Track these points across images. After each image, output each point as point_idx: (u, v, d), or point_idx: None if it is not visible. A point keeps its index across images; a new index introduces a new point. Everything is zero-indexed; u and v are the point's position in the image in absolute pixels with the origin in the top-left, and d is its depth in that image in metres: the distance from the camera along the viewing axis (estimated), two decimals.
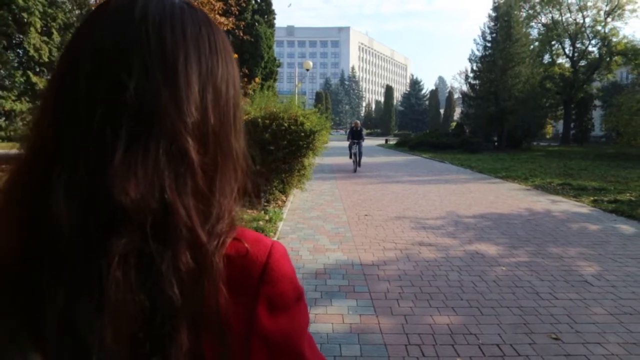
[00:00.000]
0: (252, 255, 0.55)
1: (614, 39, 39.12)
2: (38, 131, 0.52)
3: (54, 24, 17.24)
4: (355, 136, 17.38)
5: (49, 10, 16.87)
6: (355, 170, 16.56)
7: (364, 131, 18.25)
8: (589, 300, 4.41)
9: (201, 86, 0.52)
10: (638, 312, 4.12)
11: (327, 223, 7.79)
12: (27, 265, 0.48)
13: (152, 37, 0.50)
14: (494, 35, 34.87)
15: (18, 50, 17.40)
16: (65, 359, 0.46)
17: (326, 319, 3.87)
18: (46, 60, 16.94)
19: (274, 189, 9.29)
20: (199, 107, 0.52)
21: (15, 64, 17.09)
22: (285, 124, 8.69)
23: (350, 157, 17.52)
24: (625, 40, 38.92)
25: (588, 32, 40.42)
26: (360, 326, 3.76)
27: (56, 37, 17.32)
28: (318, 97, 79.19)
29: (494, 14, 35.27)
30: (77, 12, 18.77)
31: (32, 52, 16.42)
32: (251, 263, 0.54)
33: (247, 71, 16.81)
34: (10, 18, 15.93)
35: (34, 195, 0.48)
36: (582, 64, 41.28)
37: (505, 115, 32.87)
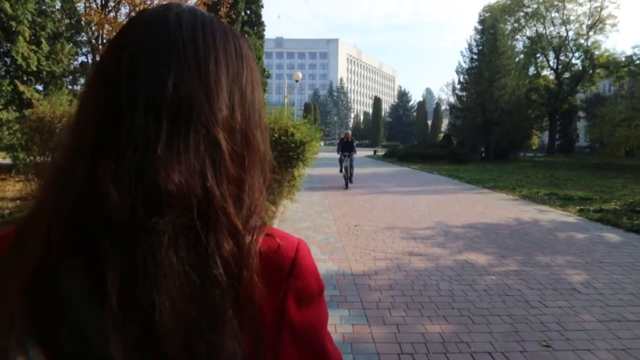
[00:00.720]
0: (283, 250, 0.59)
1: (596, 52, 40.01)
2: (83, 120, 0.56)
3: (43, 33, 17.10)
4: (345, 148, 15.69)
5: (38, 19, 16.74)
6: (346, 186, 14.99)
7: (356, 142, 16.41)
8: (578, 307, 4.47)
9: (229, 87, 0.58)
10: (626, 319, 4.19)
11: (317, 234, 7.79)
12: (53, 258, 0.50)
13: (187, 40, 0.56)
14: (481, 47, 35.42)
15: (5, 58, 17.19)
16: (130, 338, 0.48)
17: None
18: (34, 69, 16.78)
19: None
20: (228, 106, 0.57)
21: (3, 73, 16.90)
22: (276, 135, 8.72)
23: (341, 171, 15.91)
24: (607, 53, 39.84)
25: (571, 45, 41.29)
26: (353, 335, 3.76)
27: (45, 46, 17.17)
28: (307, 108, 79.38)
29: (480, 27, 35.87)
30: (66, 21, 18.67)
31: (20, 60, 16.25)
32: (281, 258, 0.58)
33: None
34: None
35: (81, 187, 0.51)
36: (566, 76, 42.13)
37: (492, 126, 33.29)
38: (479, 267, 5.84)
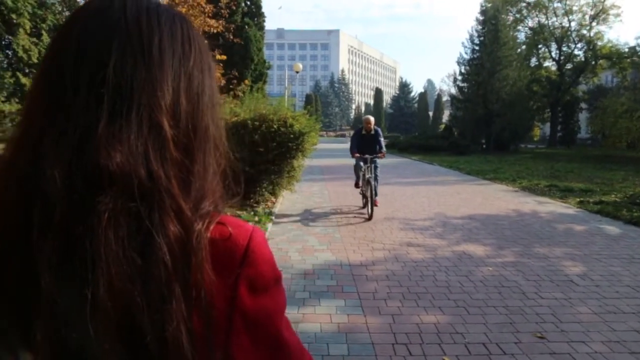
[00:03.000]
0: (235, 238, 0.58)
1: (599, 43, 39.70)
2: (29, 110, 0.56)
3: (44, 25, 17.07)
4: (365, 146, 8.81)
5: (39, 12, 16.71)
6: (370, 214, 8.21)
7: (382, 137, 9.20)
8: (574, 299, 4.47)
9: (174, 70, 0.57)
10: (621, 311, 4.19)
11: (316, 224, 7.80)
12: (19, 248, 0.50)
13: (130, 22, 0.56)
14: (482, 38, 35.23)
15: (7, 51, 17.21)
16: (61, 315, 0.48)
17: (314, 319, 3.89)
18: (35, 61, 16.75)
19: (263, 190, 9.29)
20: (172, 88, 0.56)
21: (5, 65, 16.90)
22: (275, 126, 8.71)
23: (358, 186, 9.15)
24: (610, 44, 39.52)
25: (574, 35, 40.97)
26: (348, 326, 3.78)
27: (45, 38, 17.13)
28: (308, 100, 79.16)
29: (481, 18, 35.65)
30: (66, 13, 18.61)
31: (21, 53, 16.25)
32: (234, 246, 0.58)
33: (236, 74, 16.67)
34: None
35: (26, 167, 0.51)
36: (568, 67, 41.83)
37: (493, 117, 33.20)
38: (477, 258, 5.85)
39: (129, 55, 0.54)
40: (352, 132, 10.26)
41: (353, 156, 8.91)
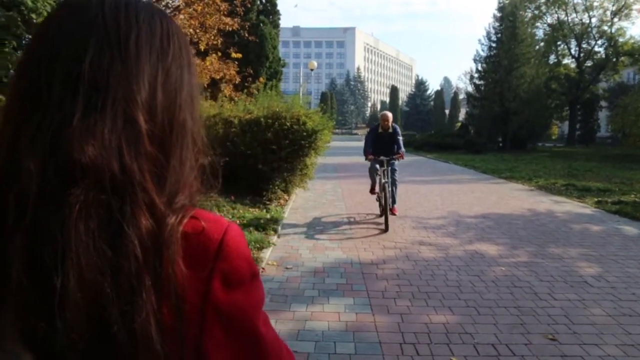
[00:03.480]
0: (208, 232, 0.58)
1: (621, 39, 38.87)
2: (8, 107, 0.56)
3: None
4: (382, 147, 7.84)
5: None
6: (386, 226, 7.14)
7: (400, 135, 8.24)
8: (588, 301, 4.39)
9: (151, 64, 0.57)
10: (637, 314, 4.10)
11: (328, 222, 7.78)
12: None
13: (108, 18, 0.56)
14: (499, 35, 34.84)
15: None
16: (30, 304, 0.48)
17: (322, 317, 3.88)
18: None
19: (276, 187, 9.31)
20: (149, 84, 0.56)
21: None
22: (288, 124, 8.71)
23: (374, 192, 8.11)
24: (632, 41, 38.66)
25: (594, 32, 40.19)
26: (356, 324, 3.76)
27: None
28: (323, 97, 79.16)
29: (499, 14, 35.24)
30: None
31: None
32: (208, 240, 0.58)
33: (251, 71, 16.68)
34: (19, 19, 16.06)
35: (3, 163, 0.52)
36: (588, 64, 41.07)
37: (510, 115, 32.82)
38: (489, 257, 5.78)
39: (105, 50, 0.55)
40: (357, 129, 9.26)
41: (367, 158, 7.84)
